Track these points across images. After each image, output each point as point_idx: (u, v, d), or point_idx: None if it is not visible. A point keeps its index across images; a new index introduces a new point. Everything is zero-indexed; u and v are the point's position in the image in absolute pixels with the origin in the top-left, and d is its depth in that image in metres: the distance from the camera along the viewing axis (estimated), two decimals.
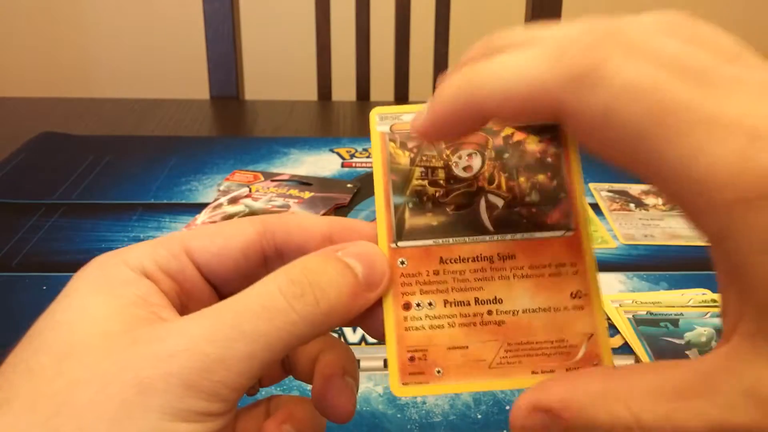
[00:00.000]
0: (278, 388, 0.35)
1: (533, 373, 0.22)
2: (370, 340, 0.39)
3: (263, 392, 0.28)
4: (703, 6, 1.59)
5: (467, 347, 0.22)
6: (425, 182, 0.23)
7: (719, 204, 0.17)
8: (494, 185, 0.23)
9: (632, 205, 0.55)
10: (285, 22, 1.48)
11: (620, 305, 0.42)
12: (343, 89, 0.92)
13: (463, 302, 0.22)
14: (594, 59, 0.18)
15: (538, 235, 0.23)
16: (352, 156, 0.64)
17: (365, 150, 0.65)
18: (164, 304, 0.21)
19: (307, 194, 0.56)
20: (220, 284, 0.24)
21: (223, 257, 0.23)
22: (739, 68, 0.18)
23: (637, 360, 0.38)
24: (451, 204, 0.23)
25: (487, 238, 0.23)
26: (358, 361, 0.37)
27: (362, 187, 0.57)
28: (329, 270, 0.21)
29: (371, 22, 0.88)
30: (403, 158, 0.24)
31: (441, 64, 0.89)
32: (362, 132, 0.73)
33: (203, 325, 0.19)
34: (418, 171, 0.24)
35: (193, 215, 0.52)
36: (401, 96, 0.90)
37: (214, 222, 0.51)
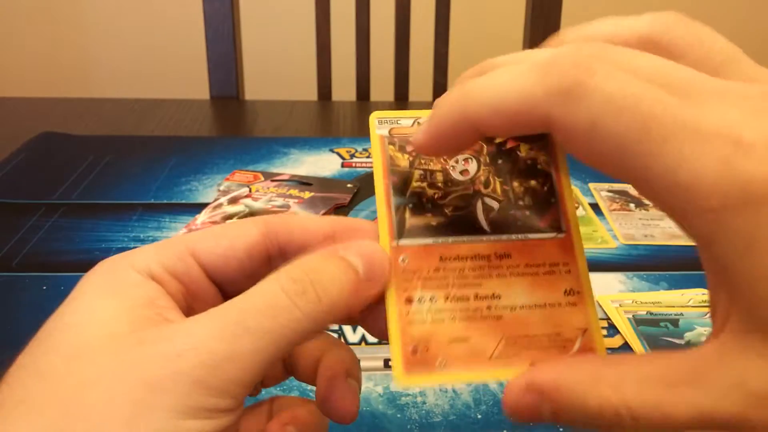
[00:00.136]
0: (279, 389, 0.35)
1: (531, 364, 0.23)
2: (371, 339, 0.39)
3: (264, 393, 0.28)
4: (702, 6, 1.59)
5: (468, 340, 0.23)
6: (424, 184, 0.25)
7: (705, 210, 0.18)
8: (490, 189, 0.25)
9: (632, 205, 0.55)
10: (285, 22, 1.48)
11: (620, 305, 0.42)
12: (343, 89, 0.92)
13: (463, 298, 0.23)
14: (579, 74, 0.19)
15: (531, 236, 0.24)
16: (352, 156, 0.64)
17: (365, 150, 0.65)
18: (170, 306, 0.22)
19: (307, 194, 0.56)
20: (225, 284, 0.24)
21: (228, 258, 0.23)
22: (722, 79, 0.19)
23: None
24: (450, 206, 0.24)
25: (484, 238, 0.24)
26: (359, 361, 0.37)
27: (362, 187, 0.57)
28: (330, 267, 0.21)
29: (371, 22, 0.88)
30: (403, 161, 0.25)
31: (441, 64, 0.89)
32: (362, 132, 0.73)
33: (209, 325, 0.20)
34: (417, 173, 0.25)
35: (193, 215, 0.52)
36: (401, 96, 0.91)
37: (215, 222, 0.51)
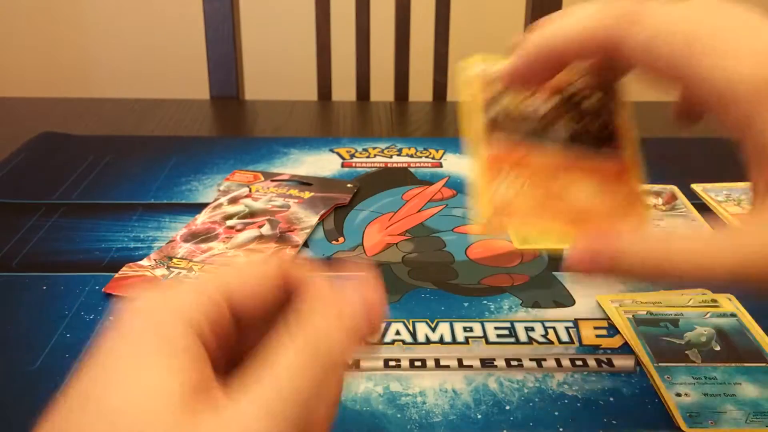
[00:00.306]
0: None
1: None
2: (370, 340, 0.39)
3: None
4: None
5: (538, 208, 0.28)
6: (511, 107, 0.30)
7: (744, 99, 0.23)
8: (564, 119, 0.30)
9: None
10: (285, 22, 1.48)
11: (620, 305, 0.42)
12: (343, 89, 0.92)
13: (537, 183, 0.28)
14: (637, 5, 0.25)
15: (595, 152, 0.30)
16: (352, 156, 0.64)
17: (365, 150, 0.65)
18: (210, 370, 0.23)
19: (307, 194, 0.56)
20: (241, 319, 0.25)
21: (257, 308, 0.25)
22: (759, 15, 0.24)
23: (638, 362, 0.38)
24: (530, 125, 0.30)
25: (557, 149, 0.29)
26: (358, 361, 0.37)
27: (362, 187, 0.57)
28: (333, 323, 0.23)
29: (371, 22, 0.88)
30: (495, 89, 0.31)
31: (441, 64, 0.89)
32: (362, 132, 0.73)
33: (255, 413, 0.21)
34: (507, 99, 0.30)
35: (193, 215, 0.52)
36: (401, 96, 0.91)
37: (215, 222, 0.51)
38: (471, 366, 0.37)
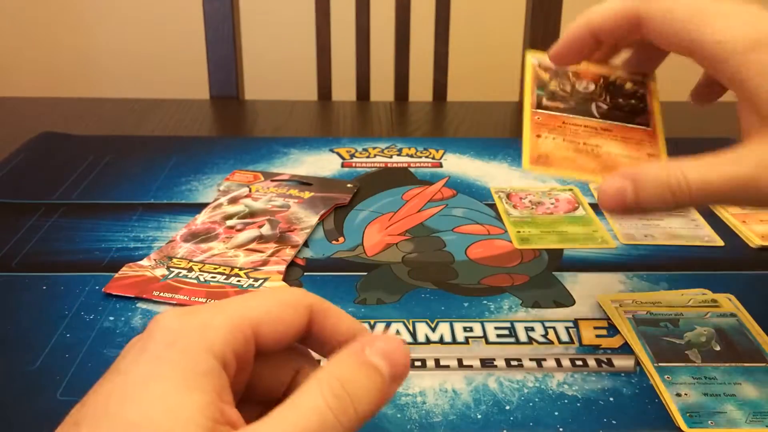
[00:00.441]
0: None
1: None
2: None
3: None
4: None
5: (575, 161, 0.35)
6: (558, 88, 0.38)
7: (732, 53, 0.30)
8: (602, 99, 0.38)
9: None
10: (285, 22, 1.48)
11: (620, 305, 0.42)
12: (343, 89, 0.92)
13: (575, 141, 0.36)
14: None
15: (628, 124, 0.37)
16: (352, 156, 0.64)
17: (365, 150, 0.65)
18: (229, 397, 0.23)
19: (307, 194, 0.56)
20: (263, 350, 0.25)
21: (280, 341, 0.25)
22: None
23: (638, 362, 0.38)
24: (572, 101, 0.38)
25: (594, 120, 0.37)
26: None
27: (362, 187, 0.57)
28: (362, 379, 0.23)
29: (371, 22, 0.88)
30: (545, 75, 0.39)
31: (441, 64, 0.89)
32: (362, 132, 0.73)
33: None
34: (554, 82, 0.39)
35: (193, 215, 0.52)
36: (401, 96, 0.90)
37: (215, 222, 0.51)
38: (471, 366, 0.37)
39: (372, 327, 0.40)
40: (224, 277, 0.44)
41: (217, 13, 0.83)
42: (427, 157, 0.64)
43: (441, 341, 0.39)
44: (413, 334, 0.40)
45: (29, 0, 1.53)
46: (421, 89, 0.92)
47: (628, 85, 0.38)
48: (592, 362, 0.38)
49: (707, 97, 0.37)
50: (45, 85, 1.59)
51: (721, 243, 0.50)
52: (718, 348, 0.39)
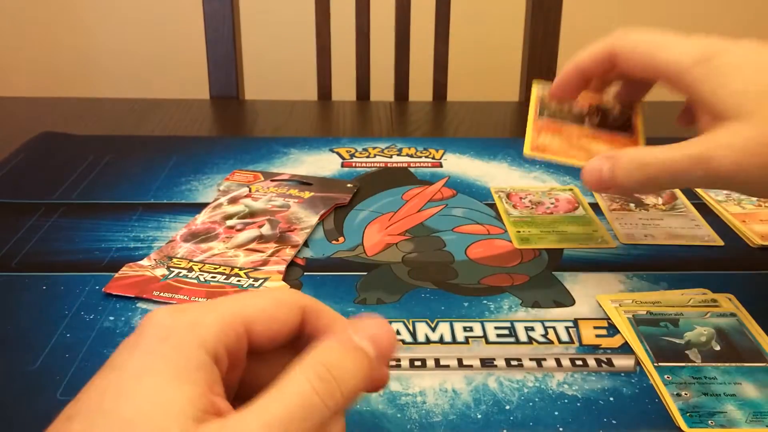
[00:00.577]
0: None
1: None
2: None
3: None
4: (700, 4, 1.59)
5: (568, 151, 0.43)
6: (557, 108, 0.46)
7: (687, 70, 0.38)
8: (594, 116, 0.46)
9: (632, 205, 0.55)
10: (285, 22, 1.48)
11: (620, 305, 0.42)
12: (343, 89, 0.92)
13: (570, 140, 0.44)
14: (627, 29, 0.42)
15: (615, 133, 0.45)
16: (352, 156, 0.64)
17: (365, 150, 0.65)
18: (221, 391, 0.23)
19: (307, 194, 0.56)
20: (256, 349, 0.26)
21: (273, 340, 0.26)
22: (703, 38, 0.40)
23: (638, 361, 0.38)
24: (569, 118, 0.46)
25: (587, 128, 0.45)
26: None
27: (362, 187, 0.57)
28: (348, 363, 0.24)
29: (371, 22, 0.88)
30: (547, 100, 0.47)
31: (441, 64, 0.89)
32: (362, 132, 0.73)
33: (260, 428, 0.21)
34: (554, 104, 0.47)
35: (193, 215, 0.52)
36: (401, 96, 0.90)
37: (215, 222, 0.51)
38: (471, 366, 0.37)
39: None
40: (224, 277, 0.44)
41: (217, 13, 0.83)
42: (427, 157, 0.64)
43: (441, 341, 0.39)
44: (413, 334, 0.40)
45: (29, 0, 1.53)
46: (421, 89, 0.92)
47: (617, 109, 0.46)
48: (592, 362, 0.38)
49: (690, 120, 0.43)
50: (45, 85, 1.59)
51: (721, 243, 0.50)
52: (718, 348, 0.39)
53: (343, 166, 0.62)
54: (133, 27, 1.56)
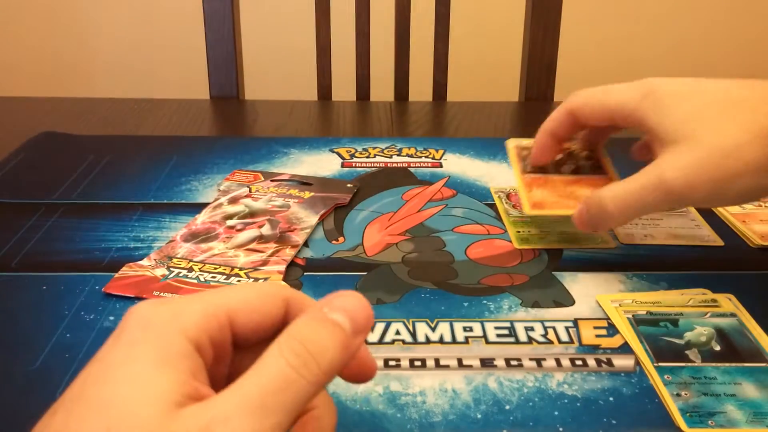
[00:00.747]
0: None
1: None
2: (369, 339, 0.39)
3: None
4: (698, 4, 1.59)
5: (559, 203, 0.48)
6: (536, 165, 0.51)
7: (635, 108, 0.43)
8: (569, 163, 0.51)
9: None
10: (285, 22, 1.48)
11: (620, 305, 0.42)
12: (343, 89, 0.92)
13: (557, 189, 0.49)
14: (581, 91, 0.48)
15: (591, 176, 0.50)
16: (352, 156, 0.64)
17: (365, 150, 0.65)
18: (204, 379, 0.24)
19: (307, 194, 0.56)
20: (240, 340, 0.26)
21: (257, 331, 0.26)
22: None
23: (638, 361, 0.38)
24: (548, 167, 0.50)
25: (566, 176, 0.50)
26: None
27: (362, 187, 0.57)
28: (322, 335, 0.24)
29: (371, 22, 0.88)
30: (524, 153, 0.52)
31: (441, 64, 0.89)
32: (362, 132, 0.73)
33: (238, 405, 0.22)
34: (531, 158, 0.51)
35: (193, 215, 0.52)
36: (401, 96, 0.90)
37: (215, 222, 0.51)
38: (471, 366, 0.37)
39: (372, 327, 0.40)
40: (224, 277, 0.44)
41: (217, 13, 0.83)
42: (427, 157, 0.64)
43: (441, 341, 0.39)
44: (413, 334, 0.40)
45: (29, 0, 1.53)
46: (421, 89, 0.92)
47: (584, 154, 0.52)
48: (591, 362, 0.38)
49: (647, 153, 0.46)
50: (45, 85, 1.59)
51: (721, 243, 0.50)
52: (718, 348, 0.39)
53: (343, 166, 0.62)
54: (133, 27, 1.56)
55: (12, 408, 0.34)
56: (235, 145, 0.66)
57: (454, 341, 0.39)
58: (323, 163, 0.62)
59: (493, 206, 0.55)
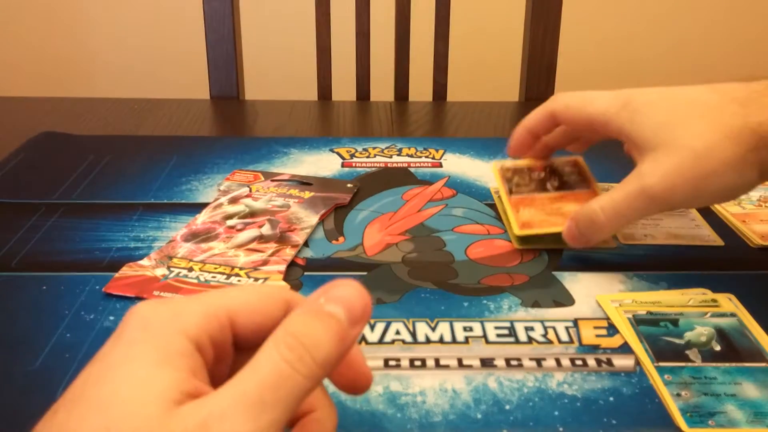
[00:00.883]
0: None
1: None
2: (370, 339, 0.39)
3: None
4: (696, 7, 1.59)
5: (548, 220, 0.48)
6: (520, 180, 0.53)
7: (614, 117, 0.45)
8: (552, 179, 0.52)
9: None
10: (285, 22, 1.48)
11: (620, 305, 0.42)
12: (343, 89, 0.92)
13: (544, 207, 0.50)
14: (561, 93, 0.50)
15: (574, 191, 0.51)
16: (352, 156, 0.64)
17: (365, 150, 0.65)
18: (205, 379, 0.24)
19: (307, 194, 0.56)
20: (241, 340, 0.26)
21: (258, 331, 0.26)
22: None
23: (638, 361, 0.38)
24: (532, 185, 0.52)
25: (552, 193, 0.51)
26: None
27: (362, 187, 0.57)
28: (317, 327, 0.24)
29: (371, 22, 0.88)
30: (509, 174, 0.54)
31: (441, 64, 0.89)
32: (362, 132, 0.73)
33: (234, 399, 0.22)
34: (517, 177, 0.53)
35: (193, 215, 0.52)
36: (401, 96, 0.91)
37: (215, 222, 0.51)
38: (471, 366, 0.37)
39: (372, 327, 0.40)
40: (225, 276, 0.44)
41: (217, 13, 0.83)
42: (427, 157, 0.64)
43: (441, 341, 0.39)
44: (413, 334, 0.40)
45: (29, 0, 1.53)
46: (421, 89, 0.92)
47: (567, 168, 0.53)
48: (592, 362, 0.38)
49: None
50: (45, 85, 1.59)
51: (721, 243, 0.50)
52: (718, 348, 0.39)
53: (343, 166, 0.62)
54: (134, 27, 1.56)
55: (12, 408, 0.34)
56: (235, 145, 0.66)
57: (454, 341, 0.39)
58: (323, 163, 0.62)
59: (493, 206, 0.55)
